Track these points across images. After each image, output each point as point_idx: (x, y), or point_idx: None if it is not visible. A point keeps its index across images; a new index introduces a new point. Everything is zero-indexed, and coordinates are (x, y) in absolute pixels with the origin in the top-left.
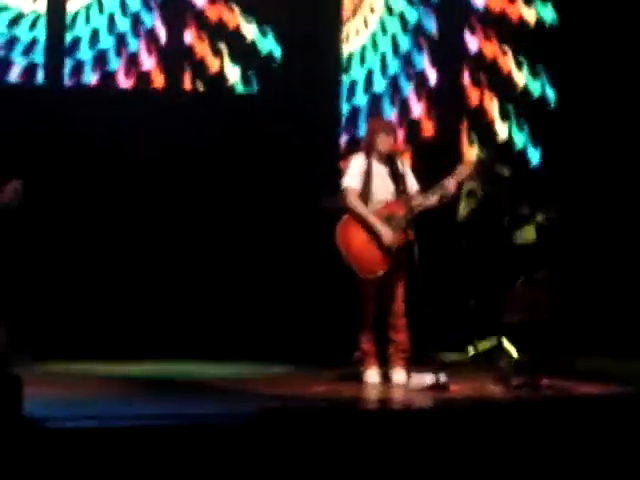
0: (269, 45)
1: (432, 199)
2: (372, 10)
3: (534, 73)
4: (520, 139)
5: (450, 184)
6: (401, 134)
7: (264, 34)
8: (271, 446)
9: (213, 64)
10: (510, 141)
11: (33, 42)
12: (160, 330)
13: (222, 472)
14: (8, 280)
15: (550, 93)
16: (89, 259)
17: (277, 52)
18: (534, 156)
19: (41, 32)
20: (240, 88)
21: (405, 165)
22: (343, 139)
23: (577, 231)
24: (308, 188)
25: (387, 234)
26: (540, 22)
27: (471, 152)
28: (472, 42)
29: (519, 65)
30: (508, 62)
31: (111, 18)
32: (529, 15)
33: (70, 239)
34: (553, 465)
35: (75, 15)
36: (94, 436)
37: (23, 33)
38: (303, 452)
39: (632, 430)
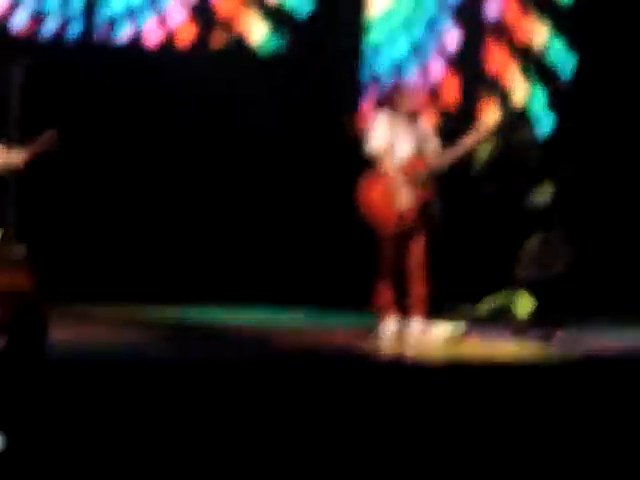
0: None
1: (452, 156)
2: None
3: (555, 41)
4: (536, 105)
5: (469, 141)
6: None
7: None
8: (283, 396)
9: (240, 22)
10: (527, 107)
11: None
12: (178, 273)
13: (231, 419)
14: (38, 221)
15: (569, 62)
16: (115, 205)
17: (304, 11)
18: (547, 123)
19: None
20: (266, 45)
21: (427, 125)
22: (365, 100)
23: (591, 194)
24: (330, 146)
25: (402, 199)
26: None
27: (490, 115)
28: (493, 6)
29: (540, 32)
30: (529, 28)
31: None
32: None
33: (99, 185)
34: (562, 424)
35: None
36: (110, 376)
37: None
38: (316, 402)
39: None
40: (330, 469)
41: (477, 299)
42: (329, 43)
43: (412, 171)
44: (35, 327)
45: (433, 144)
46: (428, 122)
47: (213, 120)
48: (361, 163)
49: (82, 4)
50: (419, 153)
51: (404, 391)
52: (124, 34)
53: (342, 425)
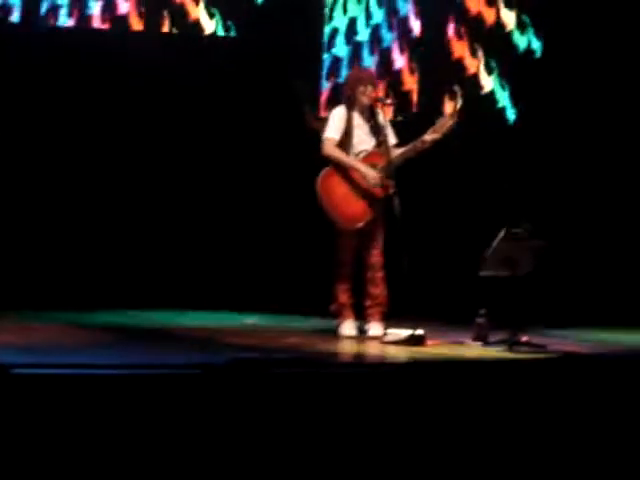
0: None
1: (411, 151)
2: None
3: (521, 26)
4: (502, 95)
5: (429, 137)
6: (382, 86)
7: None
8: (242, 398)
9: (192, 10)
10: (492, 96)
11: None
12: (135, 278)
13: (192, 423)
14: None
15: (536, 47)
16: (65, 205)
17: None
18: (511, 113)
19: None
20: (220, 33)
21: (385, 117)
22: (325, 88)
23: (557, 189)
24: (289, 136)
25: (370, 173)
26: None
27: (452, 106)
28: None
29: (504, 19)
30: (493, 15)
31: None
32: None
33: (49, 184)
34: (526, 424)
35: None
36: (61, 384)
37: None
38: (274, 404)
39: (609, 389)
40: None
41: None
42: (290, 26)
43: (371, 163)
44: None
45: (392, 138)
46: (386, 113)
47: (166, 113)
48: (319, 158)
49: None
50: (378, 145)
51: (365, 391)
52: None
53: (303, 427)
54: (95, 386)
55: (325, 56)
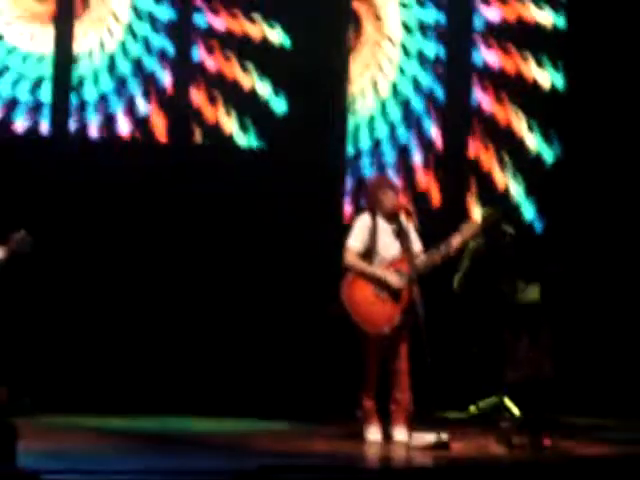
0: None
1: (436, 257)
2: (381, 69)
3: (546, 138)
4: (528, 208)
5: (455, 242)
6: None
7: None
8: None
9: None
10: (518, 207)
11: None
12: (160, 385)
13: None
14: (9, 329)
15: (563, 162)
16: (91, 312)
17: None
18: (539, 225)
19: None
20: (241, 140)
21: (409, 223)
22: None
23: (579, 292)
24: (313, 242)
25: (393, 278)
26: (553, 87)
27: (477, 213)
28: (483, 101)
29: (530, 129)
30: (519, 125)
31: None
32: (542, 79)
33: (72, 290)
34: None
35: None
36: None
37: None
38: None
39: None
40: None
41: (465, 404)
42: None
43: (396, 270)
44: (5, 437)
45: (417, 243)
46: (410, 221)
47: (186, 220)
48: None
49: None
50: (403, 252)
51: None
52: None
53: None
54: None
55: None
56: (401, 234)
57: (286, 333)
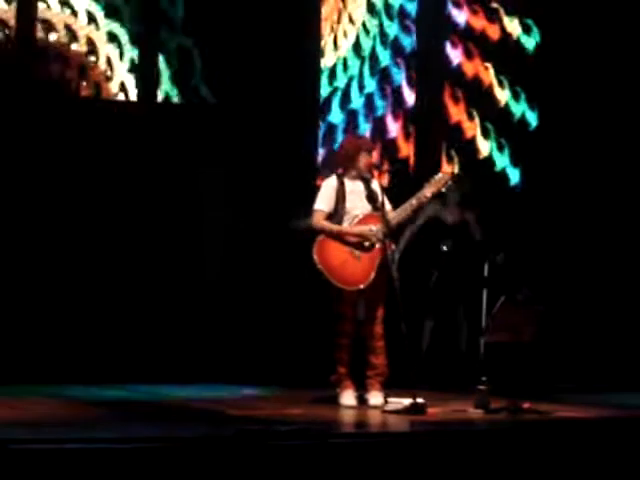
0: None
1: (407, 210)
2: (351, 21)
3: (515, 94)
4: (500, 159)
5: (425, 193)
6: (377, 153)
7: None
8: (248, 469)
9: None
10: (490, 160)
11: None
12: (135, 352)
13: None
14: None
15: (530, 114)
16: (47, 277)
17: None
18: (514, 175)
19: None
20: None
21: (378, 184)
22: (320, 155)
23: (558, 252)
24: (284, 205)
25: (365, 230)
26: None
27: (450, 167)
28: (454, 57)
29: (500, 84)
30: (489, 79)
31: None
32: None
33: (45, 256)
34: None
35: None
36: (57, 458)
37: None
38: (279, 475)
39: (614, 454)
40: None
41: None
42: (282, 95)
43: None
44: None
45: (387, 204)
46: (379, 180)
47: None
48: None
49: None
50: (373, 211)
51: (367, 461)
52: None
53: None
54: (99, 460)
55: (320, 123)
56: (372, 194)
57: (260, 298)
